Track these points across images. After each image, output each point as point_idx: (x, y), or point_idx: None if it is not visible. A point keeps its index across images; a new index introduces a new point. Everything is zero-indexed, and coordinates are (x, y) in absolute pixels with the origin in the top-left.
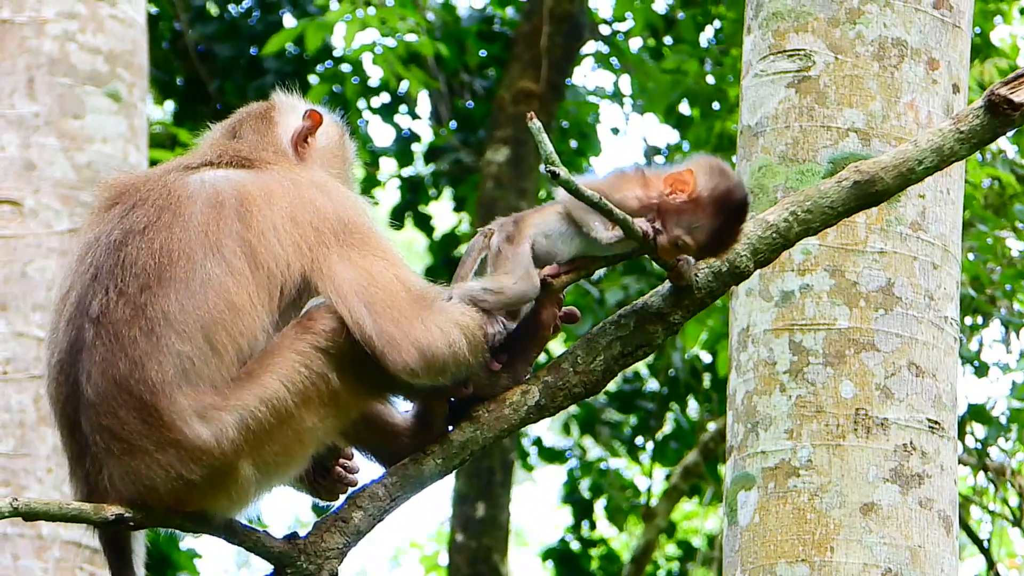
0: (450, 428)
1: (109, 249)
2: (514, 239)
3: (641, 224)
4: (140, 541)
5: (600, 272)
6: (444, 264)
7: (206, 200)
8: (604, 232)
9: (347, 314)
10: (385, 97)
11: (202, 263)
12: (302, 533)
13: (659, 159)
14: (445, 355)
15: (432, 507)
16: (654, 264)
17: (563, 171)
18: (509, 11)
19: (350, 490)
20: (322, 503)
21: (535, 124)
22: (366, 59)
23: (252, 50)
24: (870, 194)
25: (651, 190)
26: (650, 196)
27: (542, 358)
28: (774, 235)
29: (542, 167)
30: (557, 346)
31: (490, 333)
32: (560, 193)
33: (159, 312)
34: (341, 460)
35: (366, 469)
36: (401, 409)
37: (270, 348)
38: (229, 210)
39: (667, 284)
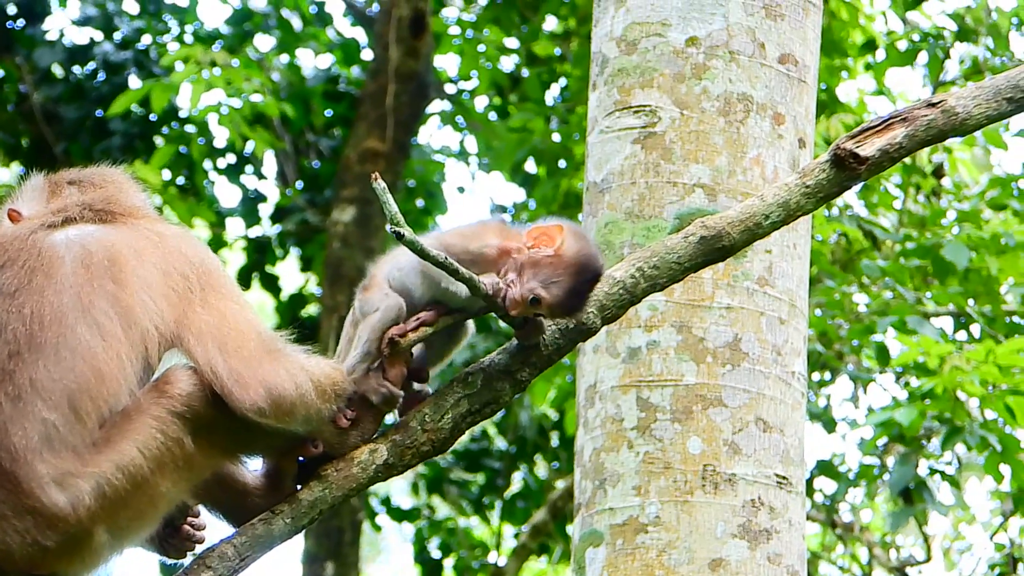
0: (299, 487)
1: None
2: (369, 286)
3: (487, 281)
4: None
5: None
6: (291, 325)
7: (76, 260)
8: (460, 289)
9: (200, 355)
10: (231, 158)
11: (73, 328)
12: None
13: (506, 217)
14: (292, 396)
15: (283, 568)
16: (501, 323)
17: (407, 231)
18: (354, 70)
19: (198, 548)
20: (170, 561)
21: (379, 184)
22: (212, 120)
23: (98, 112)
24: (717, 249)
25: (512, 241)
26: (510, 247)
27: (390, 417)
28: (621, 291)
29: (388, 227)
30: None
31: (351, 364)
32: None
33: (27, 379)
34: (189, 518)
35: (215, 528)
36: (251, 468)
37: (128, 412)
38: (101, 270)
39: (514, 341)
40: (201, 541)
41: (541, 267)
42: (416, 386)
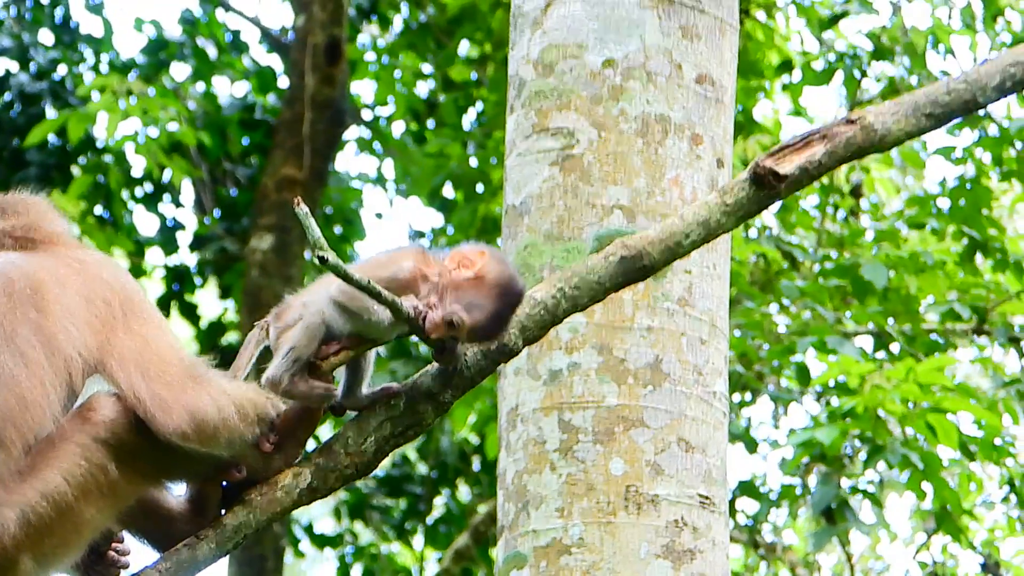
0: (223, 512)
1: None
2: (283, 314)
3: (408, 303)
4: None
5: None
6: (211, 353)
7: None
8: (385, 314)
9: (123, 380)
10: (149, 187)
11: None
12: None
13: (424, 243)
14: (215, 420)
15: None
16: (422, 348)
17: (331, 256)
18: (270, 98)
19: (123, 574)
20: None
21: (302, 209)
22: (129, 149)
23: (14, 142)
24: (637, 269)
25: (430, 265)
26: (427, 270)
27: (312, 443)
28: (542, 312)
29: (307, 253)
30: (326, 430)
31: (275, 375)
32: (332, 276)
33: None
34: (114, 544)
35: (140, 554)
36: (175, 494)
37: (52, 439)
38: (23, 298)
39: (436, 364)
40: (126, 567)
41: (463, 290)
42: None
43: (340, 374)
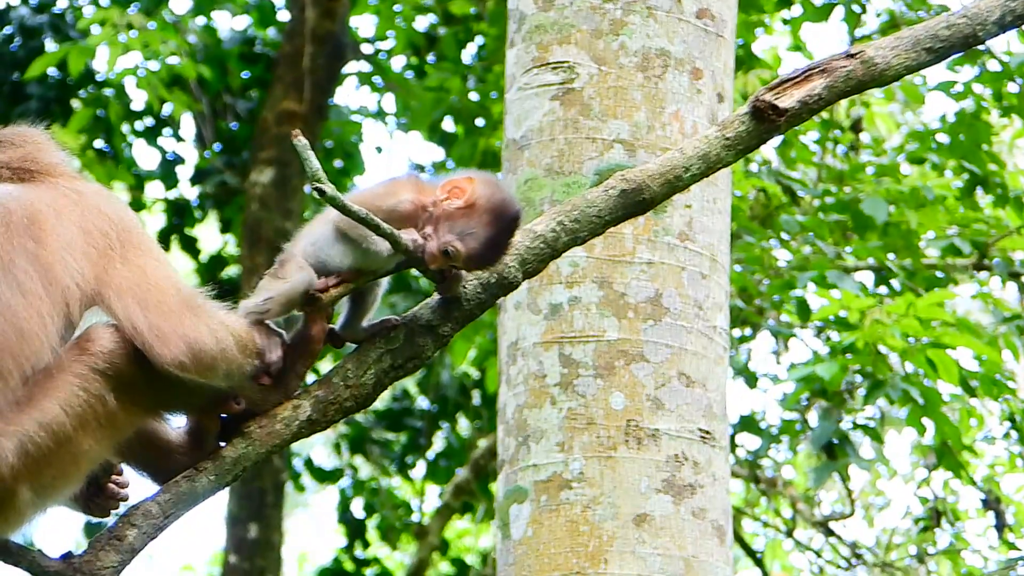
0: (222, 444)
1: None
2: (283, 262)
3: (407, 236)
4: None
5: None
6: (211, 286)
7: None
8: (383, 244)
9: (121, 311)
10: (149, 120)
11: None
12: (77, 552)
13: (420, 174)
14: (213, 351)
15: (206, 531)
16: (422, 281)
17: (329, 188)
18: (271, 32)
19: (122, 507)
20: (95, 520)
21: (301, 141)
22: (129, 83)
23: (14, 76)
24: (637, 202)
25: (425, 195)
26: (424, 201)
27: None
28: (542, 245)
29: (307, 187)
30: (326, 364)
31: (261, 344)
32: (331, 211)
33: None
34: (113, 476)
35: (139, 486)
36: (174, 426)
37: (50, 370)
38: (20, 229)
39: (436, 297)
40: (125, 499)
41: (455, 219)
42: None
43: (343, 306)
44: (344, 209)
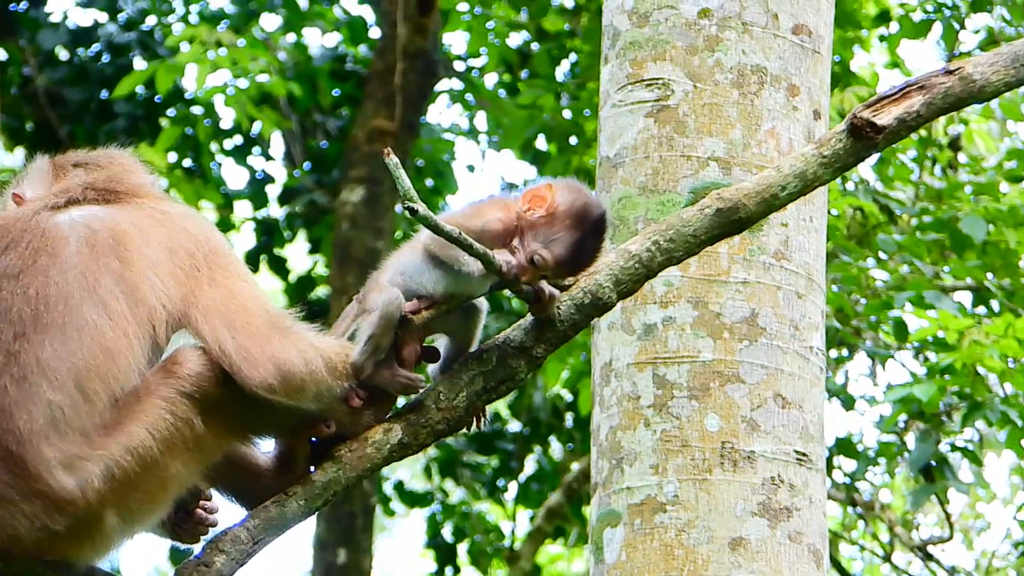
0: (312, 468)
1: None
2: (367, 296)
3: (500, 256)
4: None
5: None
6: (300, 307)
7: (81, 240)
8: (475, 266)
9: (208, 333)
10: (238, 139)
11: (78, 307)
12: None
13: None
14: (302, 372)
15: (294, 555)
16: (514, 302)
17: (421, 207)
18: (362, 49)
19: (211, 532)
20: (182, 546)
21: (392, 160)
22: (218, 101)
23: (103, 93)
24: (733, 221)
25: (510, 211)
26: (511, 218)
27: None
28: (636, 265)
29: (399, 206)
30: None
31: (357, 361)
32: (423, 232)
33: (32, 360)
34: (201, 502)
35: (228, 511)
36: (263, 450)
37: (137, 393)
38: (106, 249)
39: (529, 318)
40: (214, 524)
41: (539, 228)
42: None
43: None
44: (436, 228)
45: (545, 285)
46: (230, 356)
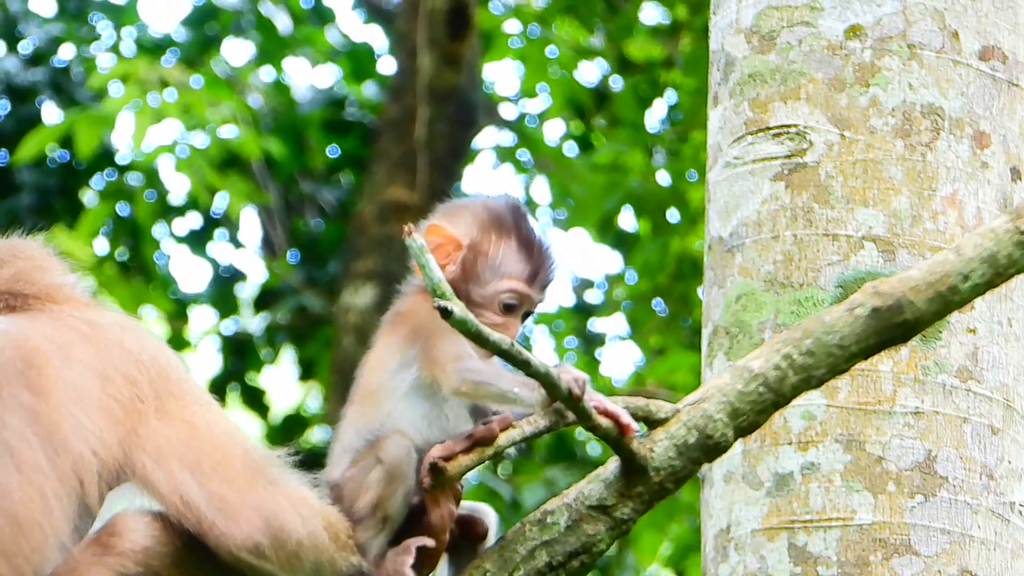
0: None
1: None
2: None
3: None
4: None
5: (511, 454)
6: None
7: None
8: (529, 393)
9: (163, 482)
10: (194, 219)
11: None
12: None
13: (595, 294)
14: (299, 532)
15: None
16: (588, 447)
17: (459, 307)
18: (368, 88)
19: None
20: None
21: (417, 242)
22: (164, 165)
23: (1, 156)
24: (896, 325)
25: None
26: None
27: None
28: (761, 389)
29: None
30: None
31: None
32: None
33: None
34: None
35: None
36: None
37: (62, 574)
38: (11, 376)
39: (611, 465)
40: None
41: (473, 271)
42: None
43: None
44: (479, 337)
45: (622, 412)
46: (198, 509)
